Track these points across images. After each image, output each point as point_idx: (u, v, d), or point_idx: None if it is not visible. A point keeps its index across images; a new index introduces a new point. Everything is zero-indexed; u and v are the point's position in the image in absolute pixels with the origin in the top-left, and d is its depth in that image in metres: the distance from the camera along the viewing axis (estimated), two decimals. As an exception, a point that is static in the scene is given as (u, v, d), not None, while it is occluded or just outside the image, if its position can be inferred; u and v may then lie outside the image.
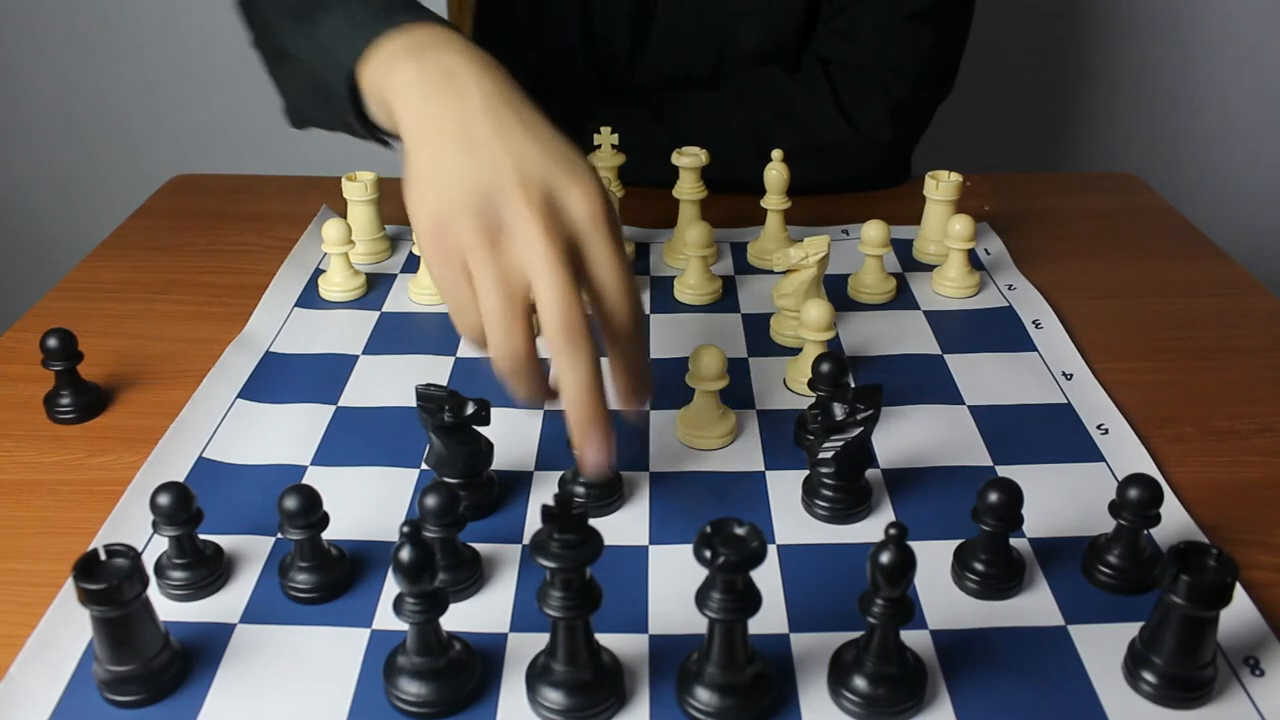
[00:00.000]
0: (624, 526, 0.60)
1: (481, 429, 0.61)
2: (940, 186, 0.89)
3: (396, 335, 0.80)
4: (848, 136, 1.00)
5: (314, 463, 0.66)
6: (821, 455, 0.60)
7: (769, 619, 0.53)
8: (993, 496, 0.54)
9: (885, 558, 0.46)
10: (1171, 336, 0.80)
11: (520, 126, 0.59)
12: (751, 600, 0.46)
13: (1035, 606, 0.55)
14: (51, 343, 0.69)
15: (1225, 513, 0.61)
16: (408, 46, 0.64)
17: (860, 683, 0.48)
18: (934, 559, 0.57)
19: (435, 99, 0.60)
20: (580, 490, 0.61)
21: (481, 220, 0.55)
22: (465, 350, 0.78)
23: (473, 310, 0.57)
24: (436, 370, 0.76)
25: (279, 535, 0.59)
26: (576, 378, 0.55)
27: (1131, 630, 0.51)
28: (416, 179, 0.59)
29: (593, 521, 0.47)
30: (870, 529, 0.60)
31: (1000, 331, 0.80)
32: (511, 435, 0.67)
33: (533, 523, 0.61)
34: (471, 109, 0.59)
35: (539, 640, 0.50)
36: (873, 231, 0.82)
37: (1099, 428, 0.68)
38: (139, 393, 0.73)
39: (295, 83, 0.78)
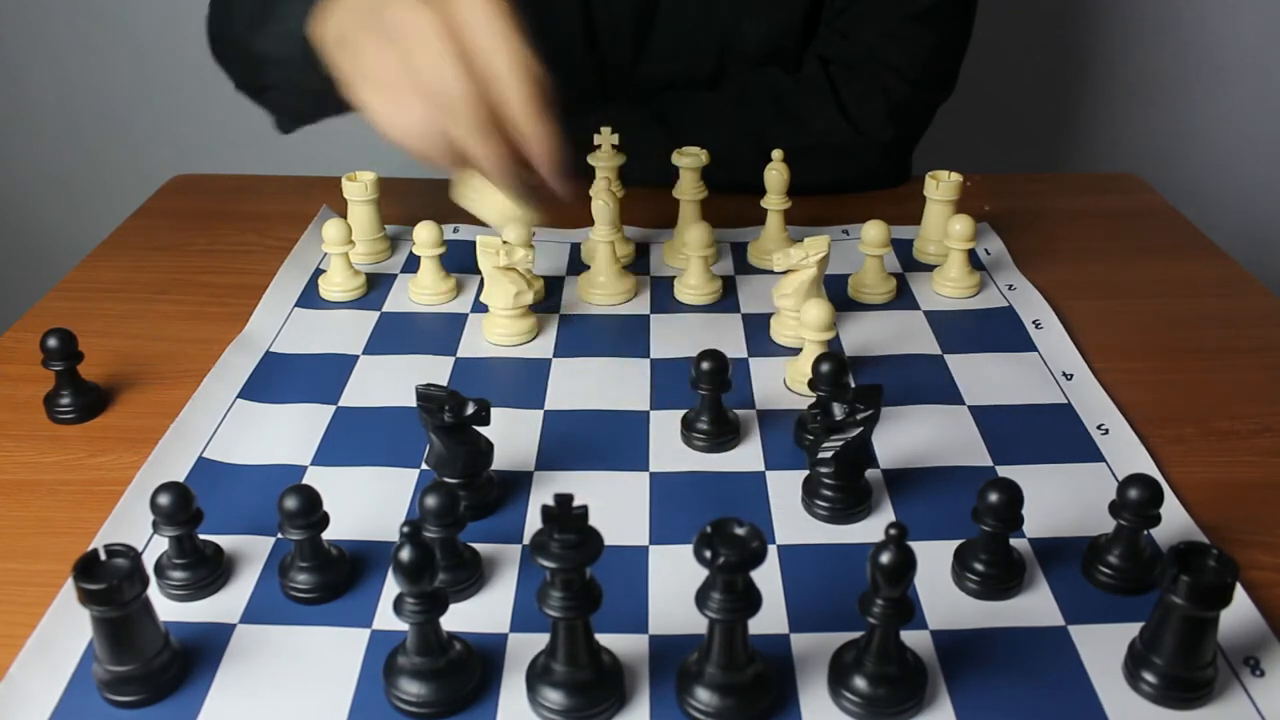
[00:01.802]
0: (624, 527, 0.60)
1: (481, 429, 0.61)
2: (940, 186, 0.89)
3: (396, 335, 0.80)
4: (849, 137, 1.00)
5: (314, 463, 0.66)
6: (821, 455, 0.60)
7: (769, 619, 0.53)
8: (993, 496, 0.54)
9: (885, 558, 0.46)
10: (1171, 336, 0.80)
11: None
12: (751, 600, 0.46)
13: (1035, 607, 0.55)
14: (51, 343, 0.69)
15: (1225, 513, 0.61)
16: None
17: (860, 683, 0.48)
18: (934, 559, 0.57)
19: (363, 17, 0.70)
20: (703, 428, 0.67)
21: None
22: (465, 350, 0.78)
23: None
24: (436, 370, 0.76)
25: (279, 535, 0.59)
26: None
27: (1131, 630, 0.51)
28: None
29: (593, 521, 0.47)
30: (870, 529, 0.60)
31: (1000, 331, 0.80)
32: (511, 435, 0.67)
33: (533, 523, 0.61)
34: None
35: (539, 640, 0.50)
36: (873, 231, 0.82)
37: (1099, 428, 0.68)
38: (139, 393, 0.73)
39: (275, 86, 0.85)
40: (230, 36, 0.90)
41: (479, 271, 0.79)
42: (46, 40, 1.89)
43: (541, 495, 0.63)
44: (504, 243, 0.77)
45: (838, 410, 0.60)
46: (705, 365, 0.65)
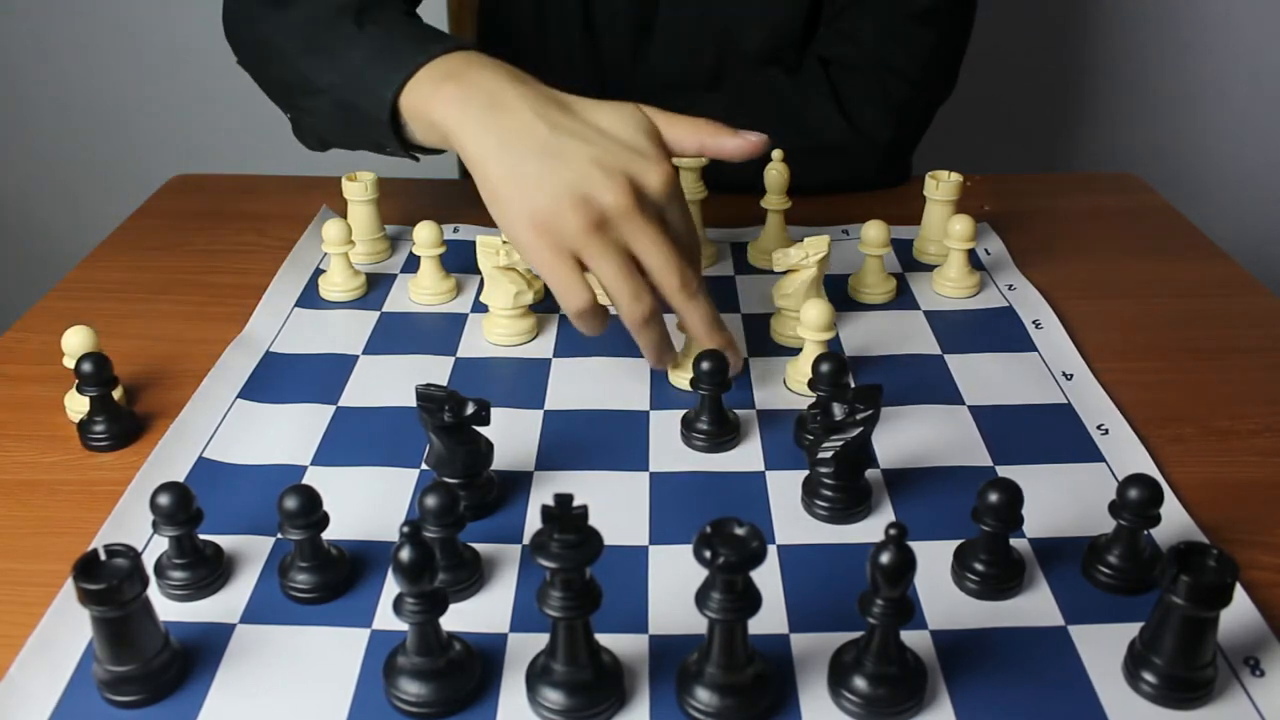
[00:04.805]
0: (624, 526, 0.60)
1: (481, 429, 0.61)
2: (940, 186, 0.89)
3: (396, 335, 0.80)
4: (848, 137, 1.00)
5: (314, 463, 0.66)
6: (821, 455, 0.60)
7: (769, 619, 0.53)
8: (993, 496, 0.54)
9: (885, 558, 0.46)
10: (1171, 336, 0.80)
11: (573, 123, 0.68)
12: (751, 600, 0.46)
13: (1035, 607, 0.55)
14: (86, 367, 0.65)
15: (1225, 513, 0.61)
16: (445, 72, 0.72)
17: (860, 683, 0.48)
18: (934, 559, 0.57)
19: (489, 116, 0.68)
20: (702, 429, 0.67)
21: (583, 213, 0.64)
22: (465, 350, 0.78)
23: (582, 290, 0.66)
24: (436, 370, 0.76)
25: (279, 535, 0.59)
26: (700, 315, 0.68)
27: (1131, 630, 0.51)
28: (501, 192, 0.67)
29: (593, 521, 0.47)
30: (870, 529, 0.60)
31: (1000, 331, 0.80)
32: (511, 435, 0.67)
33: (533, 523, 0.61)
34: (525, 119, 0.67)
35: (539, 640, 0.50)
36: (873, 231, 0.82)
37: (1099, 428, 0.68)
38: (139, 392, 0.73)
39: (318, 111, 0.83)
40: (262, 41, 0.86)
41: (479, 271, 0.79)
42: (46, 40, 1.89)
43: (541, 495, 0.63)
44: (504, 242, 0.77)
45: (838, 410, 0.60)
46: (705, 365, 0.65)
